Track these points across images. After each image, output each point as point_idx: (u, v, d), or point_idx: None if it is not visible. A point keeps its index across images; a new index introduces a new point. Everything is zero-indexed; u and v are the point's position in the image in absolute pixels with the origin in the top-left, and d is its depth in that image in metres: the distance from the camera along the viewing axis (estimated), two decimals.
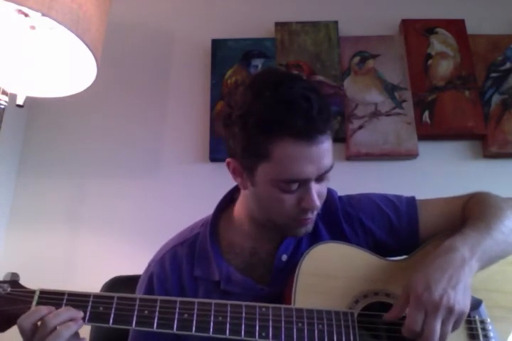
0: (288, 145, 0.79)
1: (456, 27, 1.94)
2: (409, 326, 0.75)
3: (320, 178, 0.84)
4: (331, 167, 0.84)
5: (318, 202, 0.84)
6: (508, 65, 1.88)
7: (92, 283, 1.29)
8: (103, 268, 1.58)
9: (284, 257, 0.95)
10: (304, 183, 0.82)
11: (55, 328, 0.74)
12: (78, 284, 1.55)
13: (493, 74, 1.88)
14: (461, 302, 0.76)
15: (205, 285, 0.94)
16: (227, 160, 0.90)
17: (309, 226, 0.91)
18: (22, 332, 0.75)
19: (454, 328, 0.76)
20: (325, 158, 0.82)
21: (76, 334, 0.78)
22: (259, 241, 0.96)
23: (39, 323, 0.75)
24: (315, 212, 0.88)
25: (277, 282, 0.92)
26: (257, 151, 0.81)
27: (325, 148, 0.81)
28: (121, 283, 1.31)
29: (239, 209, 0.98)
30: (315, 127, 0.79)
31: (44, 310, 0.75)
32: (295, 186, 0.82)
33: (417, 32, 1.94)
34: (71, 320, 0.76)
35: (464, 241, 0.82)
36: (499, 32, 1.95)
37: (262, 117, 0.79)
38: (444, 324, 0.75)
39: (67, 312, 0.76)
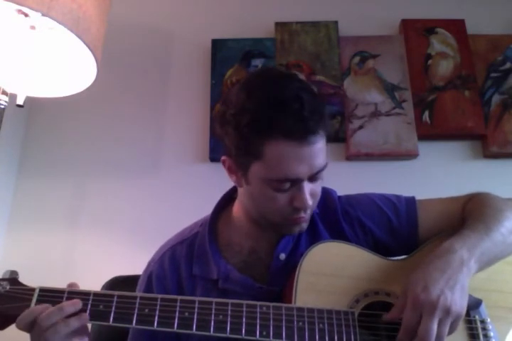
0: (279, 145, 0.79)
1: (456, 27, 1.94)
2: (405, 326, 0.76)
3: (313, 178, 0.84)
4: (325, 166, 0.85)
5: (310, 202, 0.84)
6: (508, 65, 1.89)
7: (92, 283, 1.27)
8: (103, 268, 1.58)
9: (282, 256, 0.94)
10: (296, 182, 0.83)
11: (51, 326, 0.73)
12: (78, 284, 1.55)
13: (493, 74, 1.88)
14: (458, 303, 0.76)
15: (203, 284, 0.94)
16: (223, 158, 0.90)
17: (303, 225, 0.91)
18: (23, 331, 0.74)
19: (452, 329, 0.76)
20: (317, 158, 0.82)
21: (82, 329, 0.77)
22: (258, 240, 0.97)
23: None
24: (308, 211, 0.88)
25: (276, 281, 0.92)
26: (250, 150, 0.82)
27: (317, 148, 0.81)
28: (121, 283, 1.31)
29: (237, 208, 0.98)
30: (306, 127, 0.79)
31: (37, 310, 0.75)
32: (287, 185, 0.83)
33: (417, 32, 1.94)
34: (70, 316, 0.75)
35: (462, 242, 0.83)
36: (499, 32, 1.95)
37: (254, 117, 0.79)
38: (440, 324, 0.75)
39: (59, 311, 0.74)
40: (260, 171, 0.83)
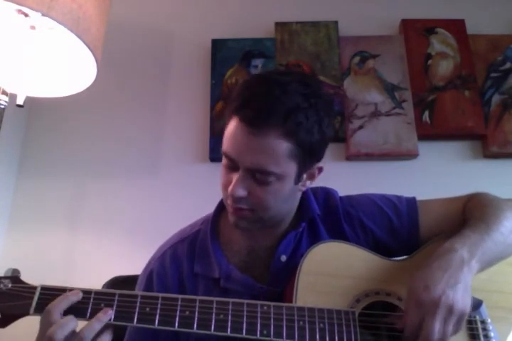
0: (233, 121, 0.83)
1: (456, 27, 1.94)
2: (409, 326, 0.76)
3: (257, 178, 0.82)
4: (271, 172, 0.81)
5: (236, 191, 0.82)
6: (508, 65, 1.89)
7: (92, 283, 1.27)
8: (103, 268, 1.58)
9: (283, 258, 0.94)
10: (237, 167, 0.83)
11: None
12: (78, 284, 1.53)
13: (493, 74, 1.88)
14: (461, 301, 0.75)
15: (204, 283, 0.94)
16: None
17: (240, 222, 0.89)
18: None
19: (456, 329, 0.76)
20: (257, 154, 0.80)
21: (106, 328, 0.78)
22: (255, 239, 0.96)
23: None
24: (241, 205, 0.85)
25: (276, 281, 0.92)
26: (226, 122, 0.86)
27: (260, 143, 0.79)
28: (121, 283, 1.31)
29: None
30: (247, 113, 0.80)
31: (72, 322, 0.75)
32: (229, 164, 0.84)
33: (417, 32, 1.94)
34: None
35: (463, 242, 0.83)
36: (499, 32, 1.95)
37: (236, 91, 0.85)
38: (444, 324, 0.74)
39: (99, 323, 0.76)
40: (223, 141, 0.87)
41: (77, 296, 0.78)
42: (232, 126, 0.83)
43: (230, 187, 0.83)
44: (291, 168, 0.83)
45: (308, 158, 0.85)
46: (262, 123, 0.79)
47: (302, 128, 0.80)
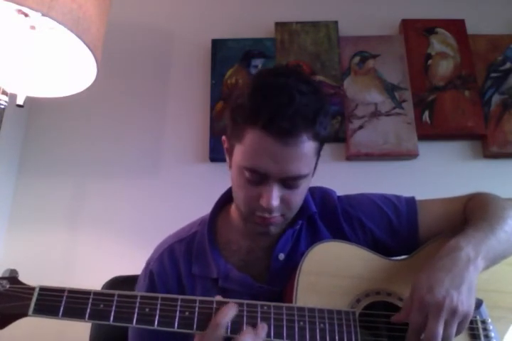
0: (256, 135, 0.78)
1: (456, 27, 1.94)
2: (413, 328, 0.75)
3: (287, 183, 0.82)
4: (303, 176, 0.82)
5: (274, 204, 0.81)
6: (508, 65, 1.89)
7: (92, 283, 1.28)
8: (103, 268, 1.58)
9: (282, 256, 0.94)
10: (266, 179, 0.81)
11: None
12: (78, 284, 1.53)
13: (493, 74, 1.88)
14: (465, 303, 0.75)
15: (203, 283, 0.94)
16: (223, 137, 0.92)
17: (271, 228, 0.88)
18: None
19: (460, 330, 0.76)
20: (292, 163, 0.79)
21: None
22: (255, 239, 0.96)
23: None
24: (275, 214, 0.85)
25: (275, 280, 0.92)
26: (235, 133, 0.83)
27: (294, 152, 0.78)
28: (121, 283, 1.31)
29: (235, 206, 0.97)
30: (283, 126, 0.76)
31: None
32: (256, 178, 0.81)
33: (417, 32, 1.94)
34: None
35: (467, 240, 0.82)
36: (499, 32, 1.96)
37: (246, 101, 0.80)
38: (447, 325, 0.74)
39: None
40: (238, 156, 0.83)
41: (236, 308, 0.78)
42: (257, 141, 0.78)
43: (266, 201, 0.81)
44: (313, 164, 0.85)
45: (321, 149, 0.87)
46: (296, 132, 0.77)
47: (324, 126, 0.81)
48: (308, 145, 0.80)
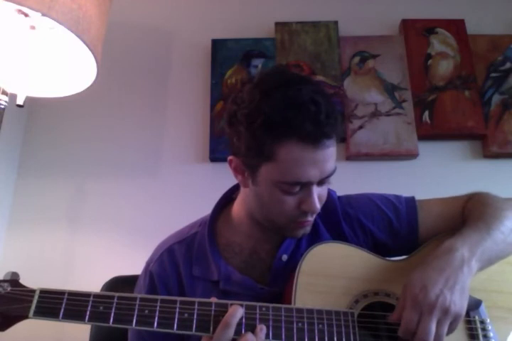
0: (294, 148, 0.79)
1: (456, 27, 1.94)
2: (405, 326, 0.76)
3: (322, 182, 0.85)
4: (334, 171, 0.85)
5: (318, 205, 0.84)
6: (508, 65, 1.89)
7: (92, 283, 1.29)
8: (103, 268, 1.58)
9: (285, 257, 0.94)
10: (306, 186, 0.83)
11: None
12: (78, 284, 1.55)
13: (493, 74, 1.88)
14: (458, 303, 0.76)
15: (203, 285, 0.94)
16: (230, 157, 0.89)
17: (308, 228, 0.91)
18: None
19: (451, 329, 0.77)
20: (329, 162, 0.82)
21: None
22: (259, 240, 0.96)
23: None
24: (314, 215, 0.89)
25: (277, 282, 0.92)
26: (262, 151, 0.81)
27: (330, 152, 0.82)
28: (121, 283, 1.31)
29: (238, 208, 0.97)
30: (322, 131, 0.79)
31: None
32: (297, 188, 0.82)
33: (417, 32, 1.94)
34: None
35: (463, 241, 0.83)
36: (499, 32, 1.96)
37: (270, 118, 0.78)
38: (439, 324, 0.75)
39: None
40: (271, 173, 0.82)
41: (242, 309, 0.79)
42: (297, 153, 0.79)
43: (311, 206, 0.83)
44: None
45: None
46: (332, 134, 0.81)
47: (339, 122, 0.86)
48: (335, 142, 0.83)
